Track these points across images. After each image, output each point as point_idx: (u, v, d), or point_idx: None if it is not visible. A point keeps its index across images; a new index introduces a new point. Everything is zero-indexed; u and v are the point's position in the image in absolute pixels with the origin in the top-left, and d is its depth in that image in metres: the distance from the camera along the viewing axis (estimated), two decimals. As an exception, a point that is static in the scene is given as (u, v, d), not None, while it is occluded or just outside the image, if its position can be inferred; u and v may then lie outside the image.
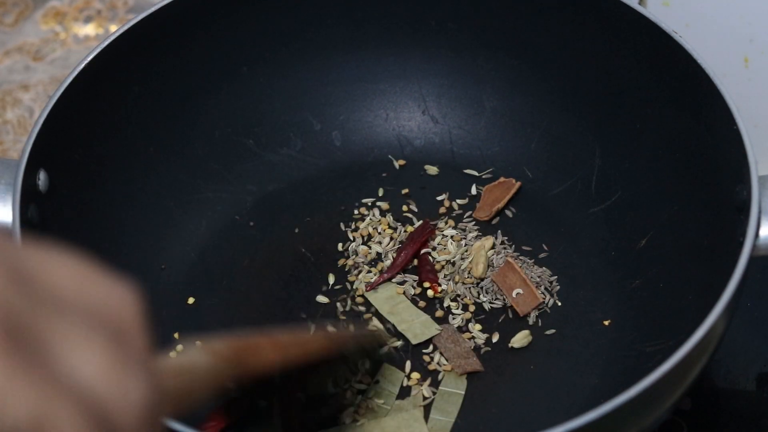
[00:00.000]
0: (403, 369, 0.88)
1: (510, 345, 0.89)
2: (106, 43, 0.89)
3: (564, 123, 0.98)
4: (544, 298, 0.91)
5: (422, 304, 0.92)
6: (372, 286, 0.92)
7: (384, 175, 1.00)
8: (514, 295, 0.91)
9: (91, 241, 0.89)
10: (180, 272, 0.94)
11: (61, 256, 0.44)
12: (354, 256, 0.95)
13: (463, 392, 0.87)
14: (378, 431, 0.85)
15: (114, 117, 0.92)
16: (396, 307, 0.91)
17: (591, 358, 0.88)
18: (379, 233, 0.96)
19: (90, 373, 0.41)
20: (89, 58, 0.88)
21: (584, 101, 0.96)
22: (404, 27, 0.99)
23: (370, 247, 0.95)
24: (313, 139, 1.01)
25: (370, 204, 0.98)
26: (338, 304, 0.92)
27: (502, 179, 0.98)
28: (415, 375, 0.88)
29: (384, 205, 0.98)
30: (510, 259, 0.92)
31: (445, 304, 0.92)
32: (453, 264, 0.93)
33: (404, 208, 0.98)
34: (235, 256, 0.95)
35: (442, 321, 0.91)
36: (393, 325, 0.90)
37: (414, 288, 0.93)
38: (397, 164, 1.01)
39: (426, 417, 0.86)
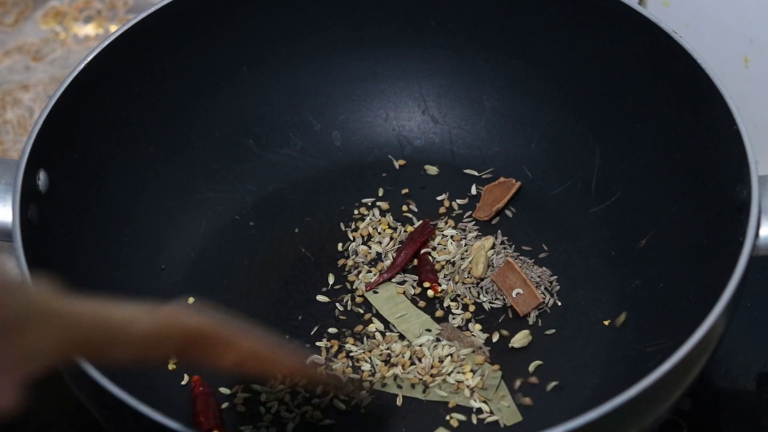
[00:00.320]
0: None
1: (510, 345, 0.89)
2: (106, 43, 0.89)
3: (564, 123, 0.98)
4: (544, 298, 0.91)
5: (422, 303, 0.92)
6: (372, 287, 0.92)
7: (384, 175, 1.00)
8: (514, 295, 0.91)
9: (91, 241, 0.89)
10: (180, 272, 0.94)
11: None
12: (354, 256, 0.95)
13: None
14: None
15: (114, 117, 0.92)
16: (396, 307, 0.91)
17: (591, 358, 0.88)
18: (379, 233, 0.96)
19: None
20: (89, 58, 0.88)
21: (584, 101, 0.96)
22: (404, 27, 0.99)
23: (370, 247, 0.95)
24: (313, 139, 1.01)
25: (370, 204, 0.98)
26: (338, 304, 0.92)
27: (502, 179, 0.98)
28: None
29: (384, 205, 0.98)
30: (510, 259, 0.92)
31: (445, 304, 0.92)
32: (453, 264, 0.93)
33: (404, 208, 0.98)
34: (235, 256, 0.95)
35: (442, 320, 0.91)
36: (393, 325, 0.91)
37: (414, 288, 0.93)
38: (397, 164, 1.01)
39: None
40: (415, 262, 0.94)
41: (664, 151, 0.92)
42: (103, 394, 0.72)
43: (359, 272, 0.94)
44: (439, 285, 0.92)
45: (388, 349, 0.89)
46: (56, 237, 0.85)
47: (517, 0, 0.96)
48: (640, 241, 0.92)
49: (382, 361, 0.89)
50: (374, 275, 0.93)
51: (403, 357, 0.88)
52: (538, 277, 0.92)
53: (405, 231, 0.96)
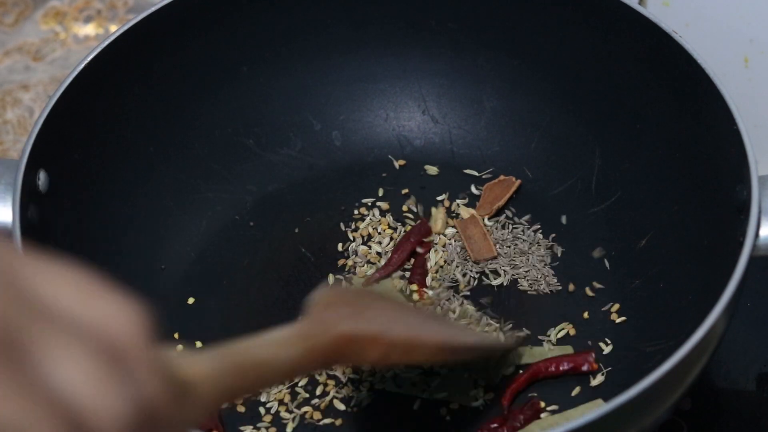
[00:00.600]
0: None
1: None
2: (106, 43, 0.89)
3: (564, 123, 0.98)
4: (497, 254, 0.91)
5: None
6: (366, 283, 0.92)
7: (384, 175, 1.00)
8: (470, 242, 0.91)
9: (91, 241, 0.89)
10: (180, 272, 0.94)
11: (62, 267, 0.44)
12: (354, 256, 0.95)
13: None
14: None
15: (114, 117, 0.92)
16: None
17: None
18: (379, 233, 0.96)
19: (72, 385, 0.41)
20: (89, 58, 0.88)
21: (584, 101, 0.96)
22: (404, 27, 0.99)
23: (370, 247, 0.95)
24: (313, 139, 1.01)
25: (370, 204, 0.98)
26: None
27: (502, 177, 0.98)
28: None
29: (384, 205, 0.98)
30: (476, 214, 0.92)
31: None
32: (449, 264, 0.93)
33: (404, 208, 0.98)
34: (235, 256, 0.95)
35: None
36: None
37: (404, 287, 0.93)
38: (397, 164, 1.01)
39: None
40: (412, 261, 0.94)
41: (664, 151, 0.92)
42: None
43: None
44: (427, 291, 0.91)
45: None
46: (56, 237, 0.85)
47: (517, 0, 0.96)
48: (640, 241, 0.92)
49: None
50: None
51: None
52: (538, 277, 0.92)
53: (405, 231, 0.96)
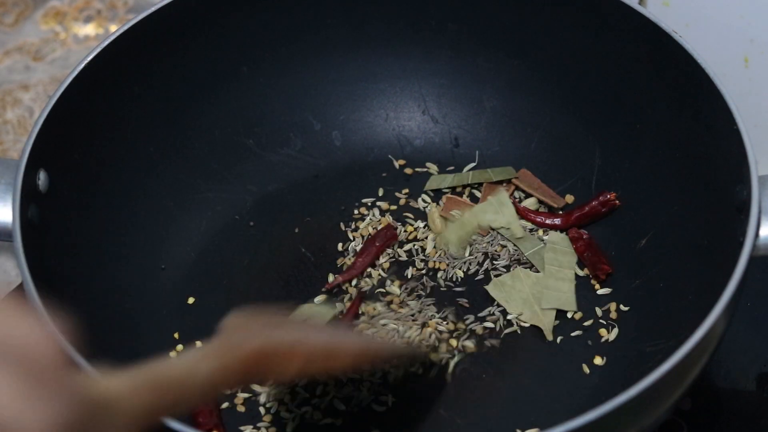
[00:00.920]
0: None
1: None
2: (106, 43, 0.89)
3: (564, 123, 0.98)
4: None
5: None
6: (329, 286, 0.92)
7: (384, 175, 1.00)
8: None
9: (91, 241, 0.89)
10: (180, 272, 0.94)
11: None
12: (354, 256, 0.95)
13: None
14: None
15: (114, 117, 0.92)
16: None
17: (591, 358, 0.88)
18: (379, 233, 0.96)
19: None
20: (89, 58, 0.88)
21: (584, 101, 0.96)
22: (404, 27, 0.99)
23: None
24: (313, 139, 1.01)
25: (370, 204, 0.98)
26: (338, 304, 0.92)
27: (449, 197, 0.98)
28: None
29: (384, 205, 0.98)
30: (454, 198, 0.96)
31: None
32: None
33: (404, 206, 0.98)
34: (235, 256, 0.95)
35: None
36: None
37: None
38: (397, 164, 1.01)
39: None
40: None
41: (664, 151, 0.92)
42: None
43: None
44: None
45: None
46: (56, 237, 0.85)
47: (517, 0, 0.96)
48: (640, 241, 0.92)
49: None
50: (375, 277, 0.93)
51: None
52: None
53: (405, 231, 0.96)
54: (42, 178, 0.84)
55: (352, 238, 0.96)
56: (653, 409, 0.76)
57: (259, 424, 0.86)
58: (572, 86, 0.97)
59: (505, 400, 0.87)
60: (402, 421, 0.86)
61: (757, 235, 0.78)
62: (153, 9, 0.92)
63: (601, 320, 0.90)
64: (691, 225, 0.88)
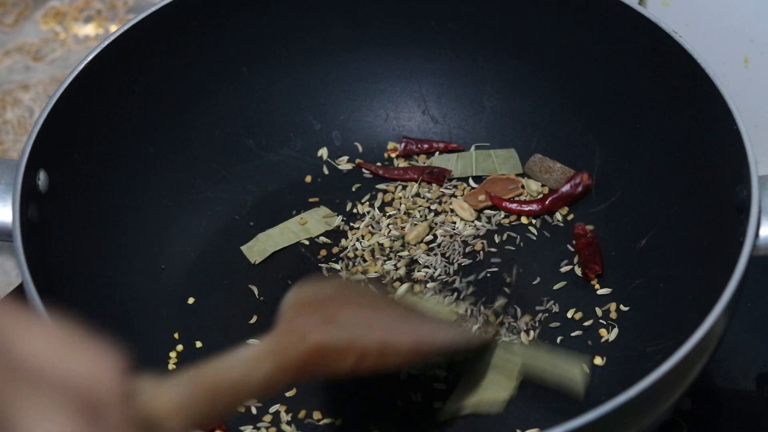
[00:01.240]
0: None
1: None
2: (106, 43, 0.89)
3: (564, 123, 0.98)
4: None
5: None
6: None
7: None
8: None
9: (91, 241, 0.89)
10: (180, 272, 0.94)
11: (41, 324, 0.44)
12: (353, 254, 0.95)
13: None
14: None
15: (114, 117, 0.92)
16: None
17: (591, 358, 0.88)
18: (379, 232, 0.96)
19: None
20: (89, 58, 0.88)
21: (584, 101, 0.96)
22: (404, 27, 0.99)
23: (370, 247, 0.95)
24: (313, 139, 1.01)
25: (370, 204, 0.98)
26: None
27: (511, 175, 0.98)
28: None
29: (384, 204, 0.98)
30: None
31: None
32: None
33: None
34: (235, 256, 0.95)
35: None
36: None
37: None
38: (397, 164, 1.01)
39: None
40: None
41: (664, 151, 0.92)
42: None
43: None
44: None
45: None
46: (56, 237, 0.85)
47: (517, 0, 0.96)
48: (640, 241, 0.92)
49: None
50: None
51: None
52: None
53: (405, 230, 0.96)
54: (42, 178, 0.84)
55: (352, 238, 0.96)
56: (653, 409, 0.76)
57: (259, 424, 0.86)
58: (572, 86, 0.97)
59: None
60: (402, 421, 0.86)
61: (757, 235, 0.78)
62: (153, 9, 0.92)
63: (601, 320, 0.90)
64: (691, 225, 0.88)
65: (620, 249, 0.93)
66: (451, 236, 0.95)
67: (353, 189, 0.99)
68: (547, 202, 0.95)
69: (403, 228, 0.96)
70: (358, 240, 0.95)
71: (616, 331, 0.89)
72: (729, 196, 0.82)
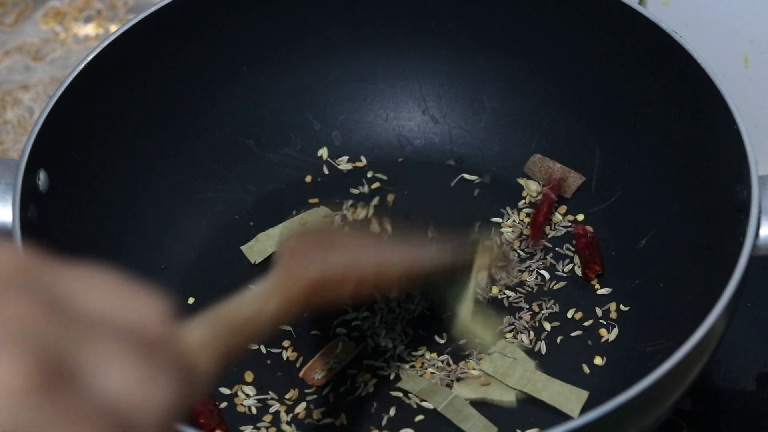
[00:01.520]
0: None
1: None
2: (106, 43, 0.89)
3: (564, 123, 0.98)
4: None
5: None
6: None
7: (384, 175, 1.00)
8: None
9: (91, 241, 0.89)
10: (180, 272, 0.94)
11: (91, 274, 0.47)
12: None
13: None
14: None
15: (114, 117, 0.92)
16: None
17: (591, 358, 0.88)
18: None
19: (121, 391, 0.44)
20: (89, 58, 0.88)
21: (584, 101, 0.96)
22: (404, 27, 0.99)
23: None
24: (313, 139, 1.01)
25: (369, 203, 0.98)
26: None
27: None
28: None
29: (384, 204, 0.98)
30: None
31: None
32: None
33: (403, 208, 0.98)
34: (235, 256, 0.95)
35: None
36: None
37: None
38: (397, 164, 1.01)
39: None
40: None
41: (664, 151, 0.92)
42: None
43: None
44: None
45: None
46: (56, 237, 0.85)
47: (517, 0, 0.96)
48: (640, 241, 0.92)
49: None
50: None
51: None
52: (538, 277, 0.92)
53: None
54: (42, 178, 0.84)
55: (352, 238, 0.96)
56: (653, 409, 0.76)
57: (259, 424, 0.86)
58: (572, 86, 0.97)
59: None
60: (402, 421, 0.86)
61: (757, 235, 0.78)
62: (153, 9, 0.92)
63: (601, 320, 0.90)
64: (691, 225, 0.88)
65: (620, 249, 0.93)
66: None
67: (354, 189, 0.99)
68: (535, 231, 0.94)
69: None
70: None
71: (616, 331, 0.89)
72: (729, 196, 0.82)
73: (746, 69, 1.02)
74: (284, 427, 0.86)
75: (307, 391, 0.88)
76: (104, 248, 0.90)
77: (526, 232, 0.95)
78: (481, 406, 0.86)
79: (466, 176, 0.99)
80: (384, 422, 0.86)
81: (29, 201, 0.82)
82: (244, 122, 0.99)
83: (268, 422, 0.86)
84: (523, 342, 0.89)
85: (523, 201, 0.97)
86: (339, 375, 0.88)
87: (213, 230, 0.96)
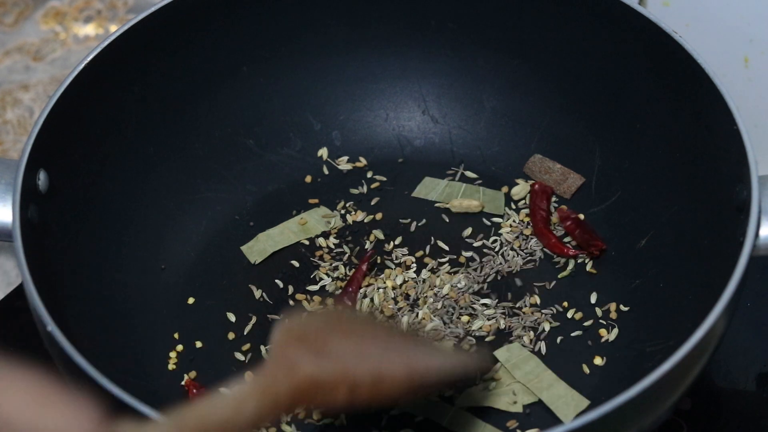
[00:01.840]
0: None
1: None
2: (106, 43, 0.89)
3: (564, 123, 0.98)
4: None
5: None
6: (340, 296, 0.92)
7: (384, 175, 1.00)
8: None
9: (91, 241, 0.89)
10: (180, 272, 0.94)
11: (17, 382, 0.44)
12: (352, 253, 0.95)
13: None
14: None
15: (114, 117, 0.92)
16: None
17: (591, 358, 0.88)
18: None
19: None
20: (89, 58, 0.88)
21: (584, 101, 0.96)
22: (404, 27, 0.99)
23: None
24: (313, 139, 1.01)
25: (369, 204, 0.98)
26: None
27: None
28: None
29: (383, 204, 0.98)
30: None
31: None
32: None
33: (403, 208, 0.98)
34: (235, 256, 0.95)
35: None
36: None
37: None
38: (397, 164, 1.01)
39: None
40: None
41: (664, 151, 0.92)
42: (104, 395, 0.72)
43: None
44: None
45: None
46: (56, 237, 0.85)
47: (517, 0, 0.96)
48: (640, 241, 0.92)
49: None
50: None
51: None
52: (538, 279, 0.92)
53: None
54: (42, 178, 0.84)
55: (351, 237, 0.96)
56: (653, 409, 0.76)
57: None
58: (572, 86, 0.97)
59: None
60: (402, 421, 0.86)
61: (757, 235, 0.78)
62: (153, 9, 0.92)
63: (601, 320, 0.90)
64: (691, 225, 0.88)
65: (620, 249, 0.93)
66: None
67: (354, 189, 0.99)
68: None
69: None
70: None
71: (616, 331, 0.89)
72: (729, 196, 0.82)
73: (746, 69, 1.02)
74: (284, 427, 0.86)
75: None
76: (104, 248, 0.91)
77: (525, 232, 0.95)
78: (482, 406, 0.86)
79: (468, 174, 0.99)
80: (384, 422, 0.86)
81: (29, 201, 0.82)
82: (244, 122, 0.99)
83: (268, 422, 0.86)
84: (523, 342, 0.89)
85: (522, 201, 0.97)
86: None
87: (213, 230, 0.96)
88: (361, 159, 1.01)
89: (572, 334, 0.90)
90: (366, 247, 0.95)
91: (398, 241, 0.95)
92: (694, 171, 0.88)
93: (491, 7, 0.97)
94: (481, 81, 1.00)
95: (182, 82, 0.96)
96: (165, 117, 0.96)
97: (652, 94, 0.91)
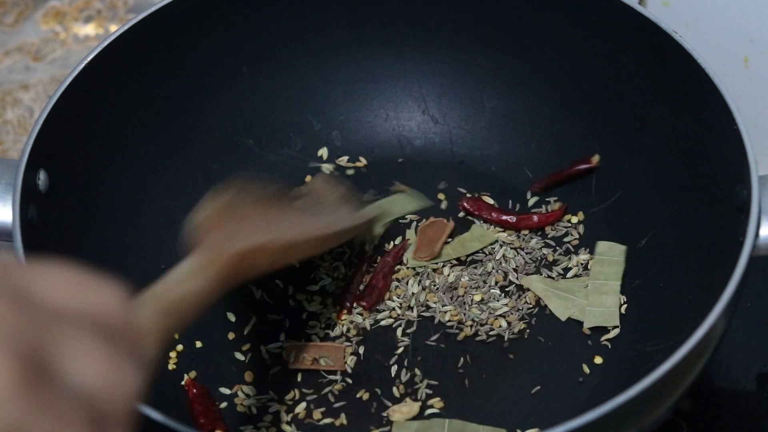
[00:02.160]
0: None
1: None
2: (106, 43, 0.89)
3: (564, 123, 0.98)
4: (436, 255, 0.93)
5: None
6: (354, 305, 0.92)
7: (384, 175, 1.00)
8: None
9: (91, 241, 0.89)
10: (180, 272, 0.94)
11: (54, 268, 0.49)
12: (350, 252, 0.95)
13: None
14: None
15: (114, 117, 0.92)
16: None
17: (591, 358, 0.88)
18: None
19: (93, 380, 0.46)
20: (89, 58, 0.88)
21: (584, 101, 0.96)
22: (404, 27, 0.99)
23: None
24: (313, 139, 1.01)
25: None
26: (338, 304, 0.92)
27: (432, 219, 0.96)
28: None
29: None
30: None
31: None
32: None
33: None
34: (235, 256, 0.95)
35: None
36: None
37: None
38: (397, 164, 1.01)
39: None
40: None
41: (664, 151, 0.92)
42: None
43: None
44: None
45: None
46: (56, 237, 0.85)
47: (517, 0, 0.96)
48: (640, 241, 0.92)
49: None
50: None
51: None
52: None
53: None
54: (42, 178, 0.84)
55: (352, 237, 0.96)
56: (653, 409, 0.76)
57: (259, 424, 0.86)
58: (572, 86, 0.97)
59: (503, 400, 0.87)
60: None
61: (757, 235, 0.78)
62: (153, 9, 0.92)
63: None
64: (691, 225, 0.88)
65: (620, 249, 0.93)
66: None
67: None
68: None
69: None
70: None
71: (616, 331, 0.89)
72: (729, 196, 0.82)
73: (746, 69, 1.02)
74: (284, 427, 0.86)
75: (306, 391, 0.88)
76: (104, 248, 0.91)
77: (525, 231, 0.95)
78: (482, 407, 0.86)
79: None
80: (384, 422, 0.86)
81: (29, 201, 0.82)
82: (244, 122, 0.99)
83: (268, 422, 0.86)
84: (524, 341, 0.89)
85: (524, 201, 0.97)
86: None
87: (213, 230, 0.96)
88: (361, 159, 1.01)
89: (572, 334, 0.90)
90: (366, 247, 0.95)
91: (398, 240, 0.95)
92: (694, 171, 0.88)
93: (491, 7, 0.97)
94: (481, 81, 1.00)
95: (182, 82, 0.96)
96: (165, 117, 0.96)
97: (652, 94, 0.91)
